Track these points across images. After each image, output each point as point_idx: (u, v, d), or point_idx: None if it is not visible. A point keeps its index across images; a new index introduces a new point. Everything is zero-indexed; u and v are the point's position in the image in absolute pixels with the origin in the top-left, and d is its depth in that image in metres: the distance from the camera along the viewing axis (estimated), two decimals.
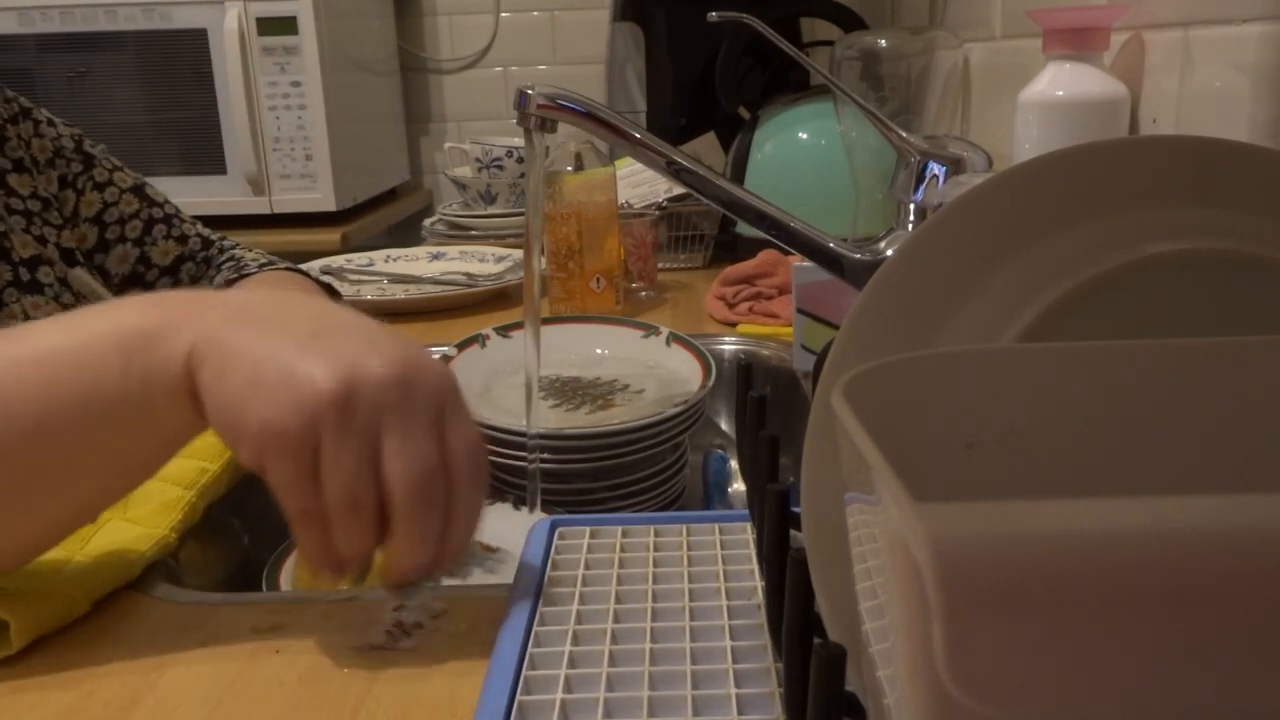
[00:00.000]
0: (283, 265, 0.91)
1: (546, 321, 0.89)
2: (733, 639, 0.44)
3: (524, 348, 0.69)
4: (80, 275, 0.80)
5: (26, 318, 0.74)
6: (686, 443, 0.75)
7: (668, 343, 0.84)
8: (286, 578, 0.62)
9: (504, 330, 0.84)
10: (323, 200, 1.79)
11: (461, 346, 0.82)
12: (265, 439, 0.43)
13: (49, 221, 0.79)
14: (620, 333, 0.86)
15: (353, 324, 0.47)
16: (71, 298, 0.78)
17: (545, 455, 0.68)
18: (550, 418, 0.74)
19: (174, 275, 0.90)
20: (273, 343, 0.45)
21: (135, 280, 0.88)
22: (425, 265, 1.31)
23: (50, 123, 0.84)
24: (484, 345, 0.82)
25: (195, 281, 0.91)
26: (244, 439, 0.44)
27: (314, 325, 0.46)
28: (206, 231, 0.93)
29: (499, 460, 0.70)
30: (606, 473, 0.70)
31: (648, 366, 0.82)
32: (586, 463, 0.69)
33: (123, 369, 0.46)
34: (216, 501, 0.68)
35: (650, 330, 0.85)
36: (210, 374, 0.45)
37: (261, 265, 0.89)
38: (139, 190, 0.88)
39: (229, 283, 0.87)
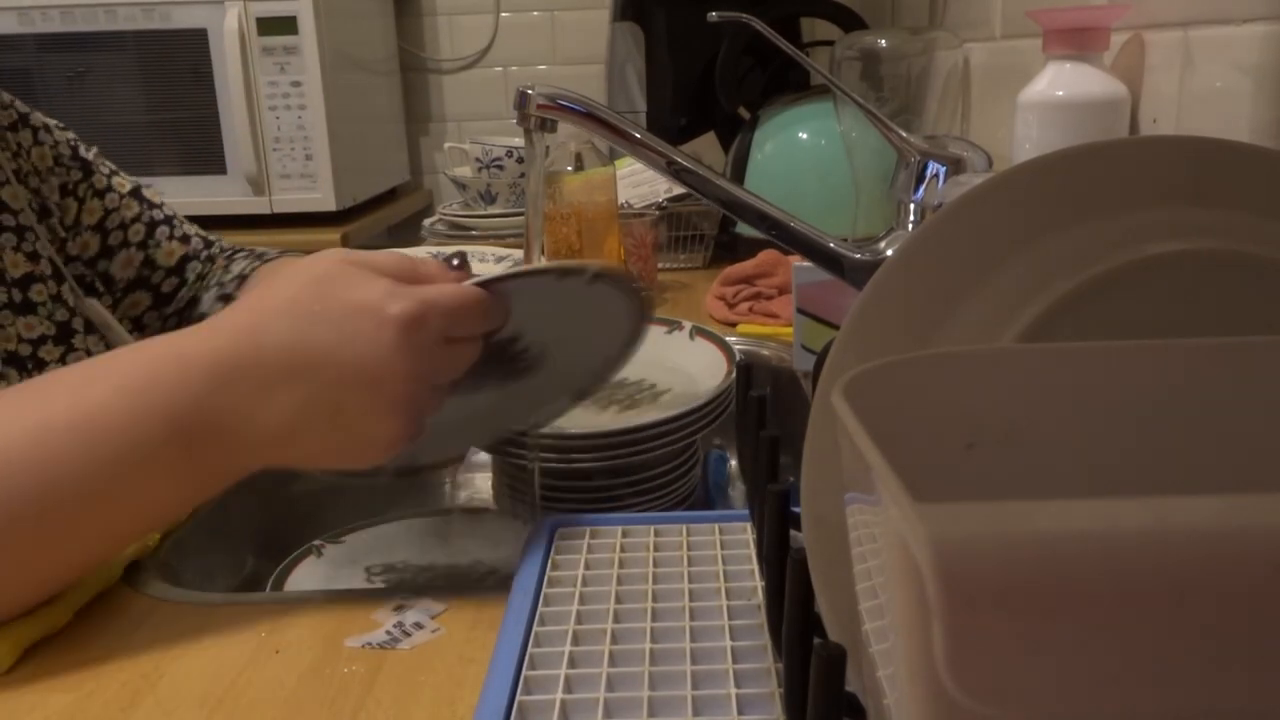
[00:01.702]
0: (284, 254, 0.95)
1: None
2: (733, 639, 0.44)
3: None
4: (94, 306, 0.81)
5: (20, 340, 0.74)
6: (699, 440, 0.75)
7: (691, 337, 0.83)
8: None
9: None
10: (323, 200, 1.79)
11: None
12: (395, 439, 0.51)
13: (41, 236, 0.79)
14: None
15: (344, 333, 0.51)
16: (65, 314, 0.77)
17: (570, 456, 0.68)
18: (580, 418, 0.74)
19: (179, 275, 0.90)
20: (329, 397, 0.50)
21: (141, 283, 0.88)
22: None
23: (47, 128, 0.84)
24: None
25: (201, 280, 0.92)
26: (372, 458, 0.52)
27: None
28: (203, 232, 0.94)
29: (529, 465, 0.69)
30: (627, 470, 0.70)
31: (672, 364, 0.82)
32: (608, 460, 0.68)
33: (188, 472, 0.51)
34: (207, 503, 0.68)
35: (673, 325, 0.85)
36: (284, 458, 0.52)
37: (273, 256, 0.93)
38: (137, 194, 0.89)
39: (244, 278, 0.90)
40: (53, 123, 0.85)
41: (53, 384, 0.53)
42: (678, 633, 0.45)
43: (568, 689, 0.41)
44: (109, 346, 0.80)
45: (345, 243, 1.73)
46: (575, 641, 0.44)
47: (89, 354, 0.78)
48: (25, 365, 0.74)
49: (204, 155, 1.78)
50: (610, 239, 1.09)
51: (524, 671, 0.42)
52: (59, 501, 0.48)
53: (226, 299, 0.90)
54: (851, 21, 1.38)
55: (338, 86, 1.80)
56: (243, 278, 0.90)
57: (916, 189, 0.79)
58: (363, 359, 0.49)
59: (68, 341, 0.77)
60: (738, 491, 0.90)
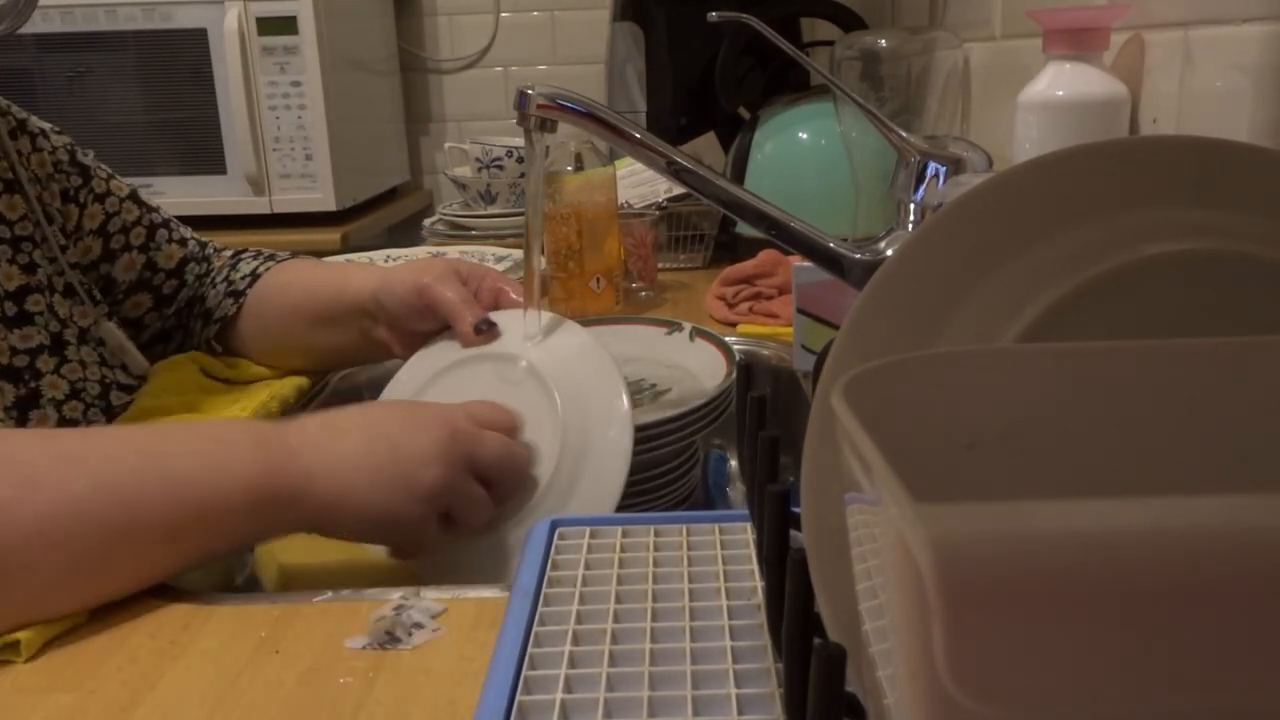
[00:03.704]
0: (289, 256, 0.96)
1: None
2: (733, 639, 0.44)
3: None
4: (110, 329, 0.81)
5: (15, 353, 0.74)
6: (699, 440, 0.76)
7: (691, 338, 0.84)
8: None
9: None
10: (323, 200, 1.79)
11: None
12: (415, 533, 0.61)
13: (40, 245, 0.79)
14: (643, 331, 0.86)
15: (404, 430, 0.60)
16: (58, 325, 0.77)
17: None
18: None
19: (180, 277, 0.90)
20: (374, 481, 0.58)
21: (142, 286, 0.88)
22: None
23: (44, 134, 0.83)
24: None
25: (200, 281, 0.92)
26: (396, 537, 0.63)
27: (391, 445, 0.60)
28: (195, 234, 0.95)
29: None
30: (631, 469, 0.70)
31: (672, 365, 0.83)
32: None
33: (251, 530, 0.57)
34: None
35: (673, 326, 0.85)
36: (334, 525, 0.59)
37: (285, 257, 0.95)
38: (135, 197, 0.89)
39: (256, 276, 0.91)
40: (48, 127, 0.85)
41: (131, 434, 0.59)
42: (678, 633, 0.45)
43: (568, 689, 0.41)
44: (102, 358, 0.80)
45: (345, 242, 1.73)
46: (575, 641, 0.44)
47: (83, 364, 0.78)
48: (21, 376, 0.74)
49: (204, 155, 1.78)
50: (610, 239, 1.09)
51: (524, 671, 0.42)
52: (135, 539, 0.52)
53: (236, 295, 0.90)
54: (851, 21, 1.38)
55: (338, 86, 1.80)
56: (255, 276, 0.91)
57: (916, 189, 0.79)
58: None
59: (61, 353, 0.77)
60: (737, 491, 0.90)
